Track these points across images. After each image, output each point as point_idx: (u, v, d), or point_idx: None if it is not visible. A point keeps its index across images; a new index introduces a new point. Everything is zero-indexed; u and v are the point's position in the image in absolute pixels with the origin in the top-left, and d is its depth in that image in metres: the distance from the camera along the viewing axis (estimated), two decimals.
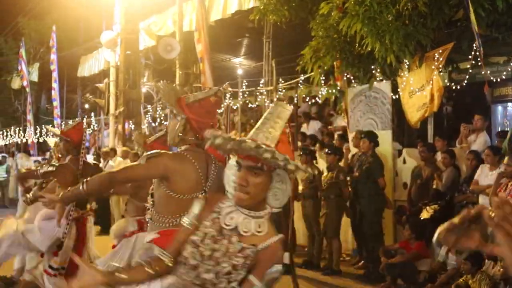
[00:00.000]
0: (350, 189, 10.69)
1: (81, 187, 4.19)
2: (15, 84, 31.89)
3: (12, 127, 30.49)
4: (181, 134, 4.23)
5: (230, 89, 17.09)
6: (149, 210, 4.31)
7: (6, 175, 23.39)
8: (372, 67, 11.87)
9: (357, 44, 11.53)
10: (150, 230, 4.21)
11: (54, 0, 27.50)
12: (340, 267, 10.61)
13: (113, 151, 16.18)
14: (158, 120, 20.16)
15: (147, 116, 20.52)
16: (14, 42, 32.85)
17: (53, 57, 24.44)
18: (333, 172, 10.68)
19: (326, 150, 11.36)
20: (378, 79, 11.86)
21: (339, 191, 10.60)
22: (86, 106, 28.13)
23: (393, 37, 10.71)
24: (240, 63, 21.45)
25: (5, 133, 30.70)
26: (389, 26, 10.77)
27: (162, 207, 4.12)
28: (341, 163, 11.19)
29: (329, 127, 15.68)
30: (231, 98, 17.75)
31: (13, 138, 30.43)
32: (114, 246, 6.40)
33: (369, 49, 11.18)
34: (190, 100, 4.24)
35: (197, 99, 4.25)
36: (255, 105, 17.37)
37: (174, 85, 6.76)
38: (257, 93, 16.80)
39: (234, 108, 17.66)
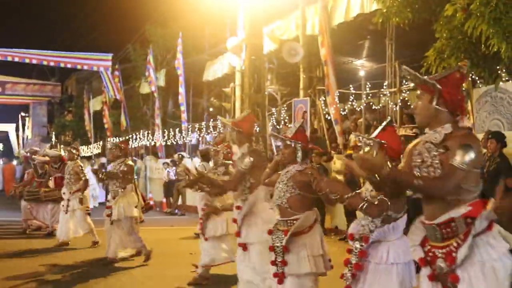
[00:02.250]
0: None
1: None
2: (144, 89, 32.92)
3: (141, 131, 31.34)
4: (438, 107, 4.08)
5: (353, 91, 17.29)
6: None
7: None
8: (498, 67, 11.79)
9: (482, 45, 11.43)
10: None
11: (180, 8, 28.60)
12: None
13: None
14: (282, 122, 20.52)
15: (271, 118, 20.94)
16: (141, 49, 33.89)
17: (179, 62, 25.23)
18: None
19: None
20: (504, 79, 11.77)
21: None
22: (211, 109, 28.84)
23: None
24: (361, 65, 21.55)
25: (134, 137, 31.57)
26: None
27: None
28: None
29: None
30: (354, 100, 17.91)
31: (142, 141, 31.32)
32: None
33: (494, 50, 11.10)
34: (437, 77, 4.14)
35: (443, 75, 4.14)
36: (379, 107, 17.41)
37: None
38: (380, 95, 16.88)
39: (358, 110, 17.82)
